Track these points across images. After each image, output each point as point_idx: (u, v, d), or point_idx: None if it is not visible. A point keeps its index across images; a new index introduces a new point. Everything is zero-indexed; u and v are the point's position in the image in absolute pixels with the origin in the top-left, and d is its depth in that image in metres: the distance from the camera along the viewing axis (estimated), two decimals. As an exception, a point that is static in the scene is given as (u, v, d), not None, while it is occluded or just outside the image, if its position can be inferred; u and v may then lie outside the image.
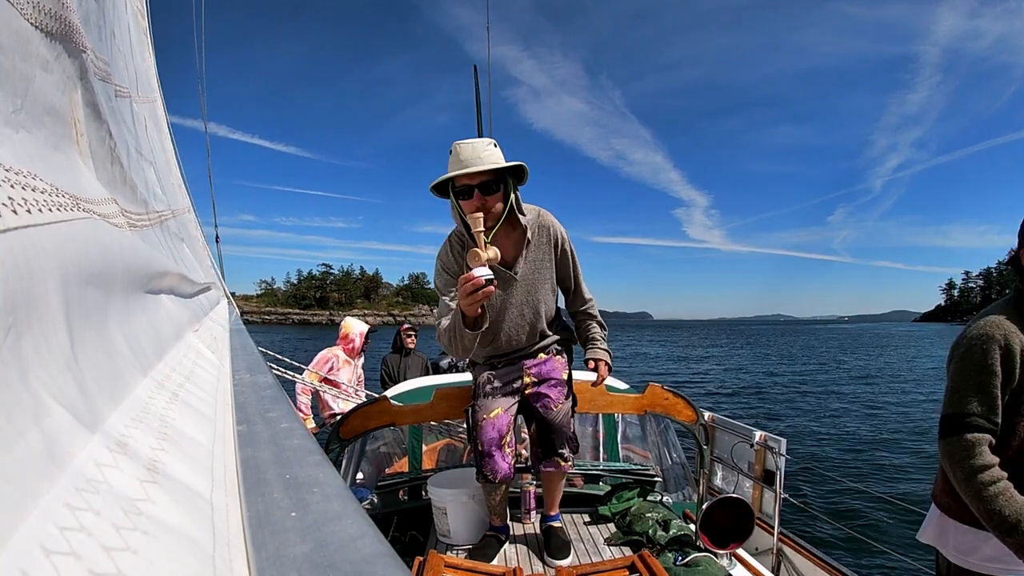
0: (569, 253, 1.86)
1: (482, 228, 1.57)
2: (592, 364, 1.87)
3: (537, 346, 1.91)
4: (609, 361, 1.88)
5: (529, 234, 1.76)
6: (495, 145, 1.67)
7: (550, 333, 1.93)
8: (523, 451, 2.93)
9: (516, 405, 1.89)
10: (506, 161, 1.65)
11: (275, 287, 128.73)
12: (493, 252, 1.58)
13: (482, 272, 1.49)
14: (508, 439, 1.82)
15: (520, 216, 1.73)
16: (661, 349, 39.38)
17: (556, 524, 2.00)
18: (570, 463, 1.90)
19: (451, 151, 1.63)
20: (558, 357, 1.93)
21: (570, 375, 1.94)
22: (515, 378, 1.88)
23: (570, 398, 1.92)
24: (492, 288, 1.50)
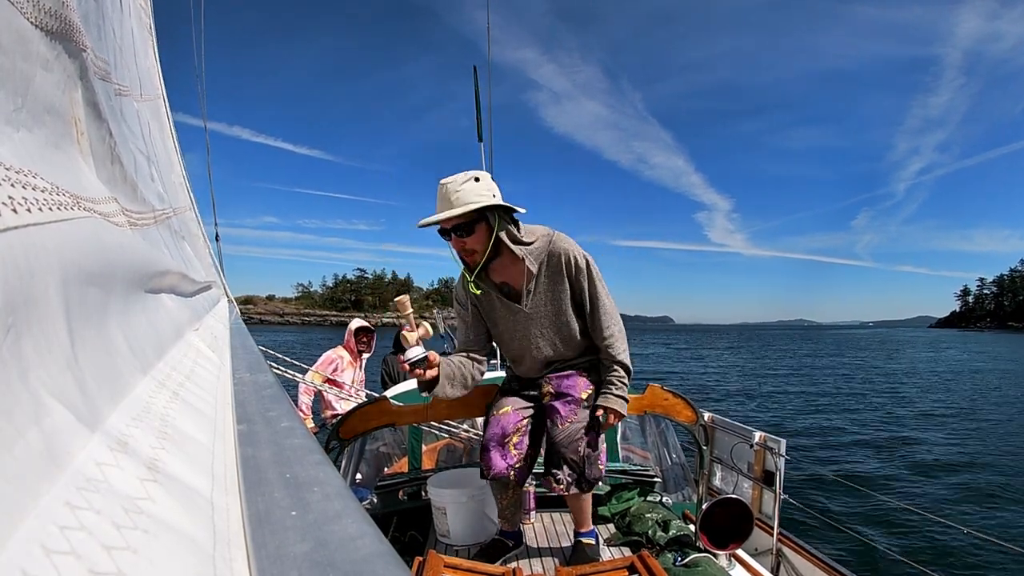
0: (584, 279, 1.70)
1: (410, 311, 1.63)
2: (600, 412, 1.71)
3: (564, 363, 1.84)
4: (621, 411, 1.72)
5: (531, 265, 1.67)
6: (477, 180, 1.58)
7: (578, 356, 1.83)
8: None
9: (531, 409, 1.85)
10: (496, 193, 1.60)
11: (311, 290, 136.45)
12: (423, 330, 1.64)
13: (411, 354, 1.56)
14: (515, 439, 1.79)
15: (516, 248, 1.64)
16: (684, 352, 39.51)
17: (585, 540, 1.90)
18: (563, 487, 1.73)
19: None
20: (583, 375, 1.81)
21: (594, 396, 1.79)
22: (536, 384, 1.87)
23: (586, 419, 1.75)
24: (421, 371, 1.57)
